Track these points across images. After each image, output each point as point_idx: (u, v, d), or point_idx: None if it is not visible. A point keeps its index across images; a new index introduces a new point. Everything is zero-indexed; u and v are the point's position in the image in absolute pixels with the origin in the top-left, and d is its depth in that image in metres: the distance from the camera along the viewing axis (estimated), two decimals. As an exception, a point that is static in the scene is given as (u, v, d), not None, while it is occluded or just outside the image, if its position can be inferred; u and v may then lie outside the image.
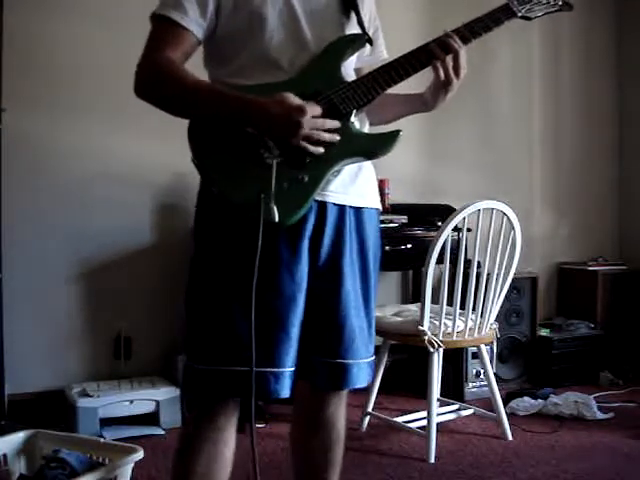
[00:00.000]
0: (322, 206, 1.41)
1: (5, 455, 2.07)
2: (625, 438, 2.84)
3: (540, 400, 3.20)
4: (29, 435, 2.16)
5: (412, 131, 3.78)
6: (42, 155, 2.97)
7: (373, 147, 1.40)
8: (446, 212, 2.75)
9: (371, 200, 1.52)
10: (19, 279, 2.88)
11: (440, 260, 2.60)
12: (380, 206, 1.57)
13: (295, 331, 1.40)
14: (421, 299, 2.62)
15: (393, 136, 1.38)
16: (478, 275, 2.71)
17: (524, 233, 2.80)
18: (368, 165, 1.51)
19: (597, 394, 3.38)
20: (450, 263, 2.68)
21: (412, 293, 3.74)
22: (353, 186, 1.46)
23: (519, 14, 1.45)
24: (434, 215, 3.32)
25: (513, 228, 2.72)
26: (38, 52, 2.93)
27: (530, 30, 4.07)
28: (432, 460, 2.59)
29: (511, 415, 3.05)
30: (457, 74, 1.42)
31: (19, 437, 2.14)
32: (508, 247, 2.72)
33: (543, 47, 4.17)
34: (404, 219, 3.31)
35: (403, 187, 3.67)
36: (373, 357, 1.54)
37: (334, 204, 1.43)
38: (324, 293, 1.44)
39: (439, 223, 3.06)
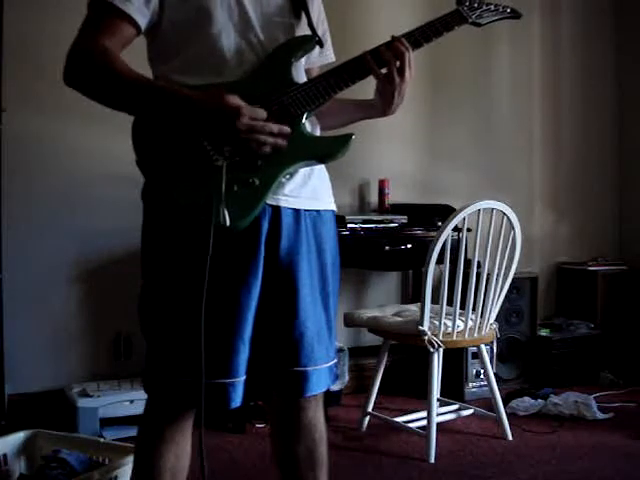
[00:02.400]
0: (276, 211, 1.37)
1: (5, 455, 2.08)
2: (625, 438, 2.84)
3: (540, 400, 3.20)
4: (29, 435, 2.17)
5: (412, 131, 3.79)
6: (42, 155, 2.97)
7: (325, 151, 1.36)
8: (446, 212, 2.75)
9: (326, 202, 1.49)
10: (19, 279, 2.88)
11: (440, 260, 2.60)
12: (335, 208, 1.53)
13: (248, 339, 1.37)
14: (421, 299, 2.62)
15: (345, 140, 1.36)
16: (478, 275, 2.71)
17: (524, 233, 2.80)
18: (321, 166, 1.47)
19: (597, 394, 3.37)
20: (450, 263, 2.68)
21: (412, 293, 3.74)
22: (306, 189, 1.42)
23: (469, 20, 1.45)
24: (434, 215, 3.31)
25: (513, 228, 2.72)
26: (38, 52, 2.92)
27: (530, 30, 4.07)
28: (432, 460, 2.59)
29: (511, 415, 3.05)
30: (401, 75, 1.39)
31: (19, 437, 2.15)
32: (508, 247, 2.72)
33: (543, 47, 4.16)
34: (404, 219, 3.31)
35: (403, 187, 3.68)
36: (334, 361, 1.51)
37: (288, 208, 1.39)
38: (282, 300, 1.40)
39: (439, 223, 3.06)
